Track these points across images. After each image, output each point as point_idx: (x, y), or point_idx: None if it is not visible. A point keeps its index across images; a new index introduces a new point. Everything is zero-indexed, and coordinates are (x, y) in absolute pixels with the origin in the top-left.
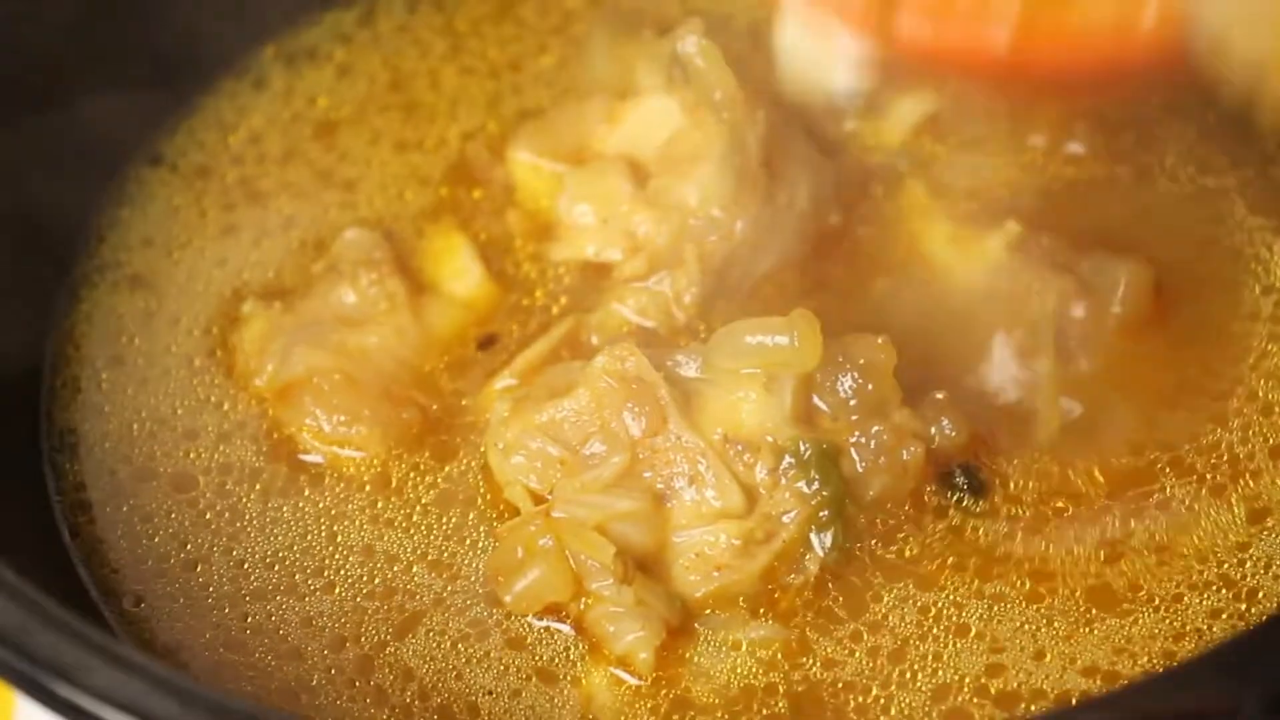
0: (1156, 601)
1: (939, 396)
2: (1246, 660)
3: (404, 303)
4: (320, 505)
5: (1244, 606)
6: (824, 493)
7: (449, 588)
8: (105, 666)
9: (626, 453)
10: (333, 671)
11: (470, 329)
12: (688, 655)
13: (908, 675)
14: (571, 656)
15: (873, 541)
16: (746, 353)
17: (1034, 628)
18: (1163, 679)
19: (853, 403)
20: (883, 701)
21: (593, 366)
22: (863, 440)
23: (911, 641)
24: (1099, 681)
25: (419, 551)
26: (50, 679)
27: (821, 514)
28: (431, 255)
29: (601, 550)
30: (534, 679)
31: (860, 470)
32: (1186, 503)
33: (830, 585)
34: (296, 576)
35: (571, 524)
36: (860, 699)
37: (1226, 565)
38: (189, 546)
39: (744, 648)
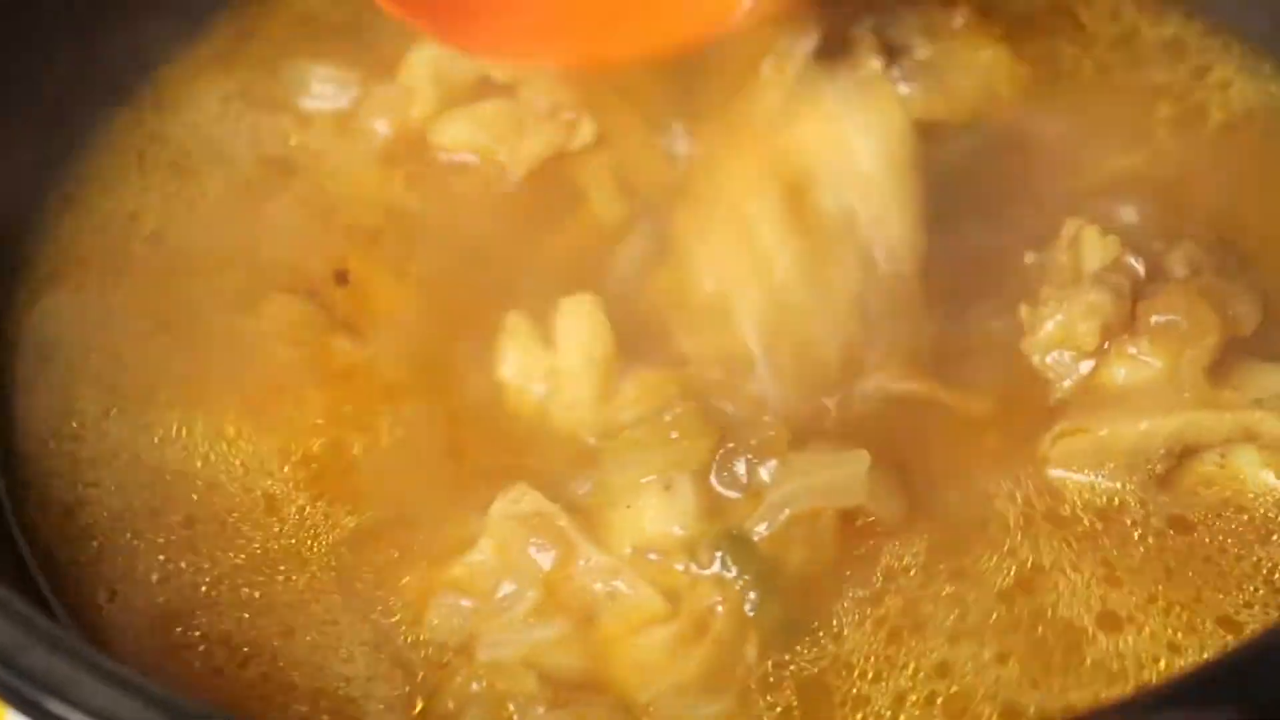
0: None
1: None
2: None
3: None
4: None
5: None
6: (745, 577)
7: None
8: (96, 683)
9: (539, 588)
10: None
11: None
12: None
13: None
14: None
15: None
16: (637, 462)
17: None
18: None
19: (751, 481)
20: None
21: (490, 516)
22: (769, 520)
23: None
24: None
25: None
26: (42, 695)
27: (750, 596)
28: None
29: (523, 682)
30: None
31: (775, 548)
32: None
33: (785, 666)
34: None
35: (494, 664)
36: None
37: None
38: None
39: None
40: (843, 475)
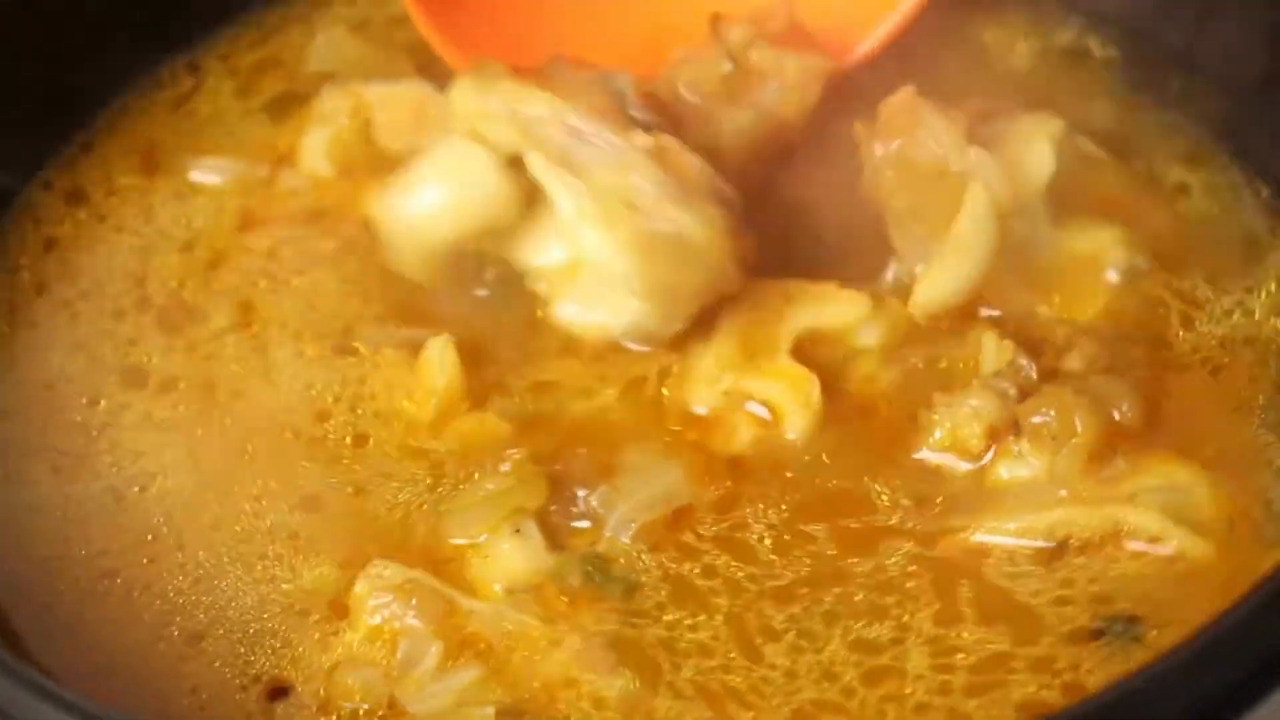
0: None
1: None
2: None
3: None
4: None
5: None
6: (615, 590)
7: None
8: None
9: (439, 639)
10: None
11: None
12: None
13: None
14: None
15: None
16: (479, 520)
17: None
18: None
19: (595, 507)
20: None
21: (356, 596)
22: (617, 534)
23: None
24: None
25: None
26: None
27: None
28: None
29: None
30: None
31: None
32: None
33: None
34: None
35: (432, 716)
36: None
37: None
38: None
39: None
40: (663, 485)
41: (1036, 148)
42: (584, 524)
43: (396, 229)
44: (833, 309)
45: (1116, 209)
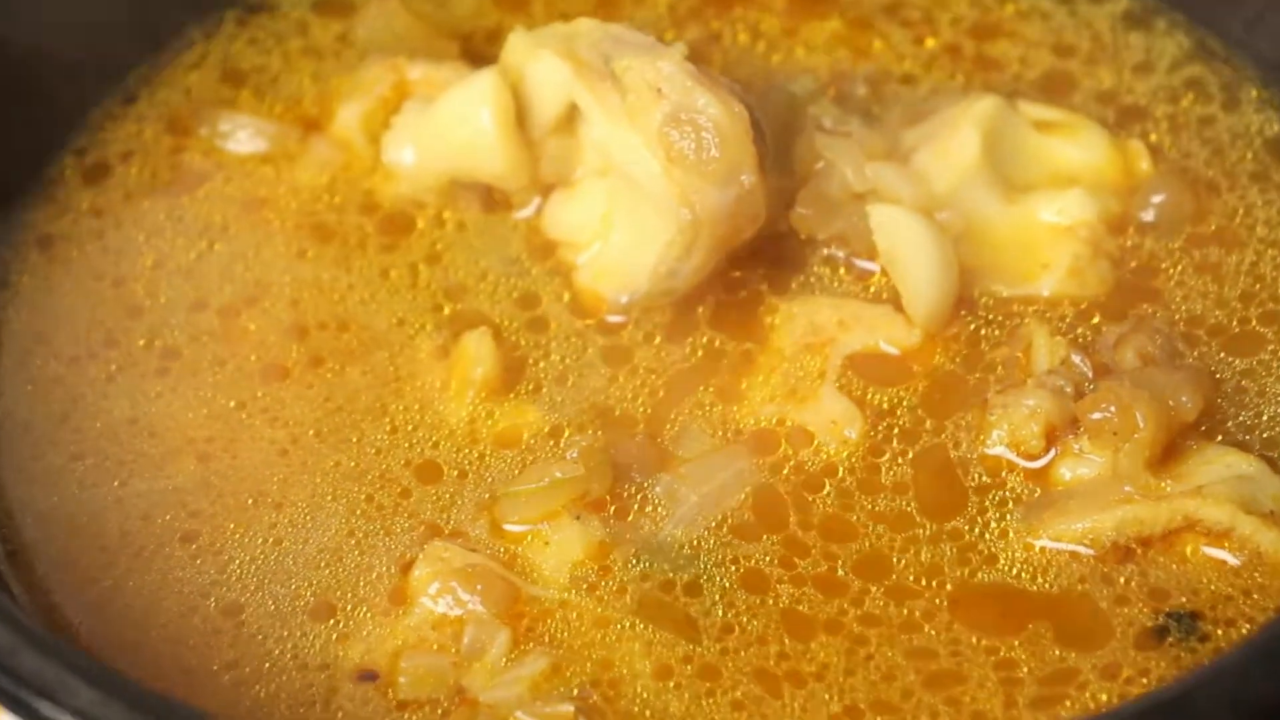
0: None
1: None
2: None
3: None
4: None
5: None
6: (680, 568)
7: None
8: (88, 687)
9: (505, 627)
10: None
11: None
12: None
13: None
14: None
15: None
16: (540, 505)
17: None
18: None
19: (659, 495)
20: None
21: (417, 579)
22: (683, 524)
23: None
24: None
25: None
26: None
27: (683, 577)
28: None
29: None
30: None
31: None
32: None
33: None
34: None
35: (495, 707)
36: None
37: None
38: None
39: None
40: (729, 477)
41: (962, 132)
42: (647, 513)
43: (401, 151)
44: (888, 332)
45: (1079, 172)
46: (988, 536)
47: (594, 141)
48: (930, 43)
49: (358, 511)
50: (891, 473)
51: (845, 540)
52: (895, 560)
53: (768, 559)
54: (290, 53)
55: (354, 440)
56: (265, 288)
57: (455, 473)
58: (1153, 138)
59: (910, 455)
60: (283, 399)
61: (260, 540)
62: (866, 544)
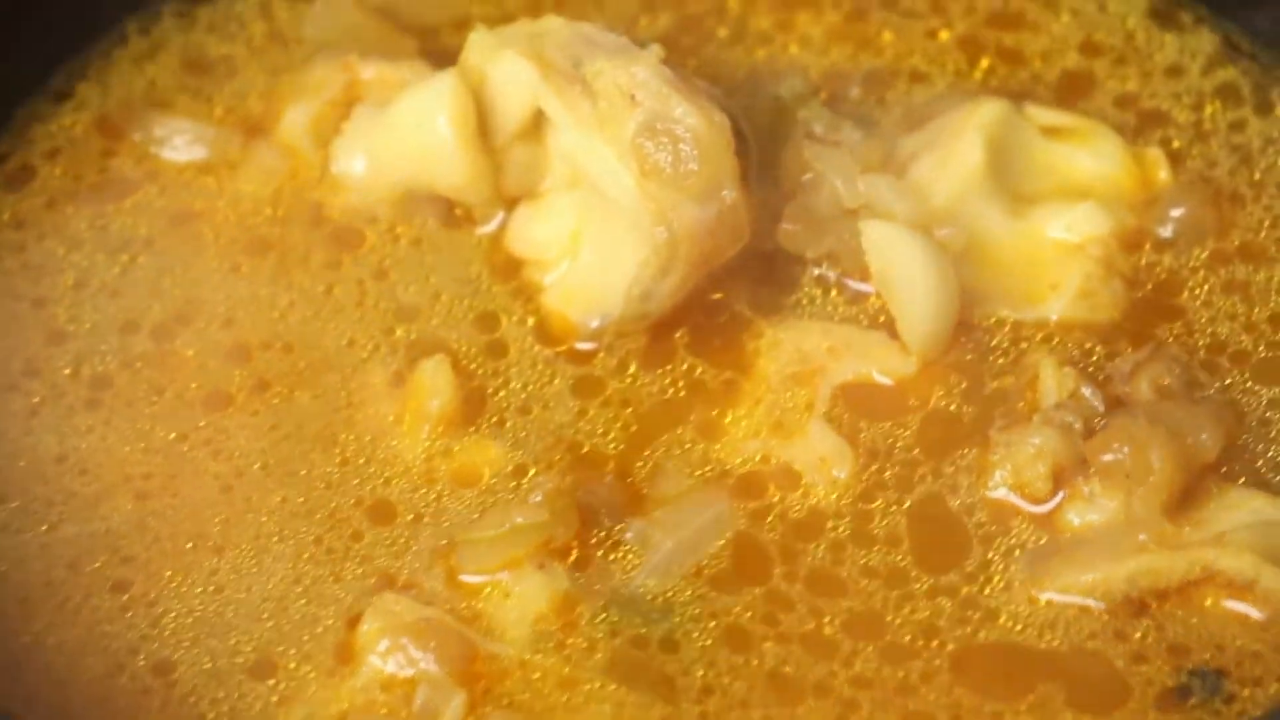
0: None
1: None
2: None
3: None
4: None
5: None
6: (654, 623)
7: None
8: None
9: (461, 689)
10: None
11: None
12: None
13: None
14: None
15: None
16: (501, 553)
17: None
18: None
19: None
20: None
21: (365, 635)
22: (657, 574)
23: None
24: None
25: None
26: None
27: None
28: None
29: None
30: None
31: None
32: None
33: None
34: None
35: None
36: None
37: None
38: None
39: None
40: (707, 521)
41: (964, 139)
42: (617, 561)
43: (352, 160)
44: (882, 361)
45: (1091, 183)
46: (990, 589)
47: (562, 151)
48: (944, 35)
49: (305, 555)
50: (884, 521)
51: (834, 595)
52: (889, 618)
53: (749, 614)
54: (234, 49)
55: (303, 473)
56: (197, 306)
57: (410, 516)
58: (1175, 145)
59: (905, 502)
60: (226, 429)
61: (199, 589)
62: (858, 600)
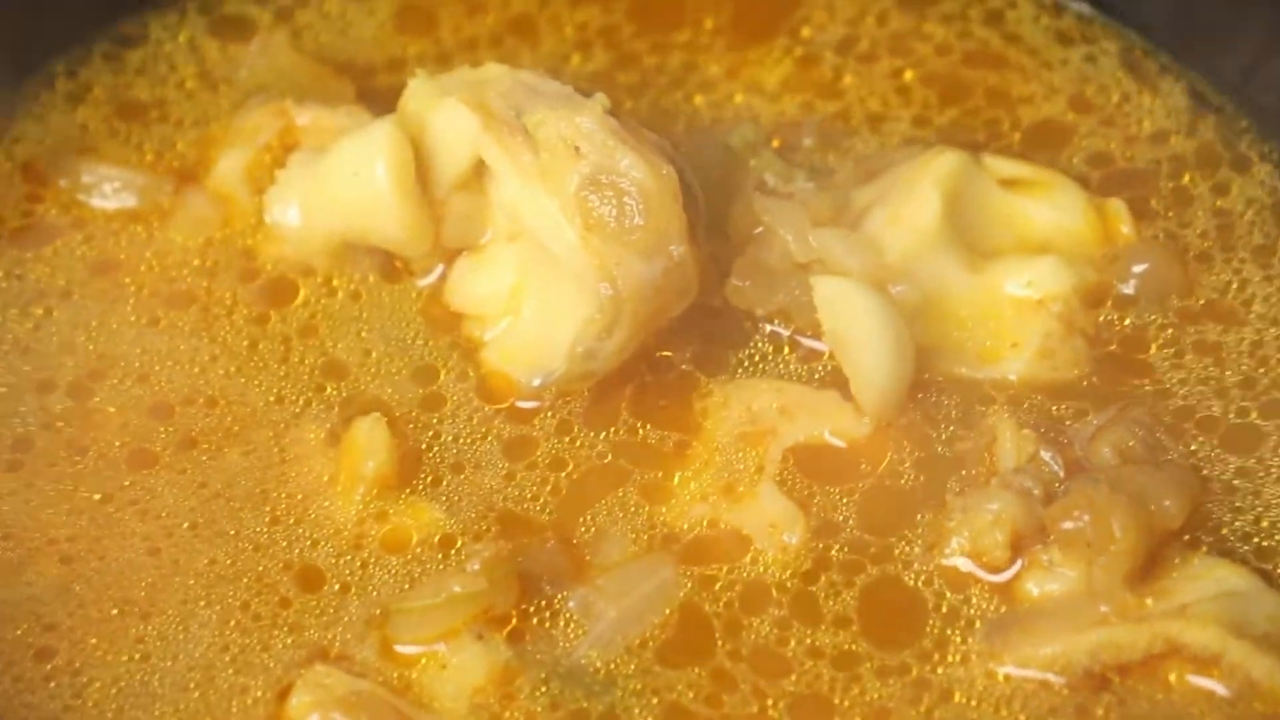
0: None
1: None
2: None
3: None
4: None
5: None
6: (595, 696)
7: None
8: None
9: None
10: None
11: None
12: None
13: None
14: None
15: None
16: (438, 623)
17: None
18: None
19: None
20: None
21: (295, 710)
22: (600, 645)
23: None
24: None
25: None
26: None
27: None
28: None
29: None
30: None
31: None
32: None
33: None
34: None
35: None
36: None
37: None
38: None
39: None
40: (653, 588)
41: (920, 191)
42: (558, 630)
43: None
44: (835, 422)
45: (1052, 237)
46: (945, 665)
47: (504, 203)
48: (908, 76)
49: (232, 622)
50: (834, 594)
51: (779, 676)
52: (837, 700)
53: (691, 694)
54: (165, 92)
55: (232, 533)
56: (111, 361)
57: (337, 585)
58: (1152, 203)
59: (857, 570)
60: (153, 488)
61: (125, 657)
62: (803, 682)
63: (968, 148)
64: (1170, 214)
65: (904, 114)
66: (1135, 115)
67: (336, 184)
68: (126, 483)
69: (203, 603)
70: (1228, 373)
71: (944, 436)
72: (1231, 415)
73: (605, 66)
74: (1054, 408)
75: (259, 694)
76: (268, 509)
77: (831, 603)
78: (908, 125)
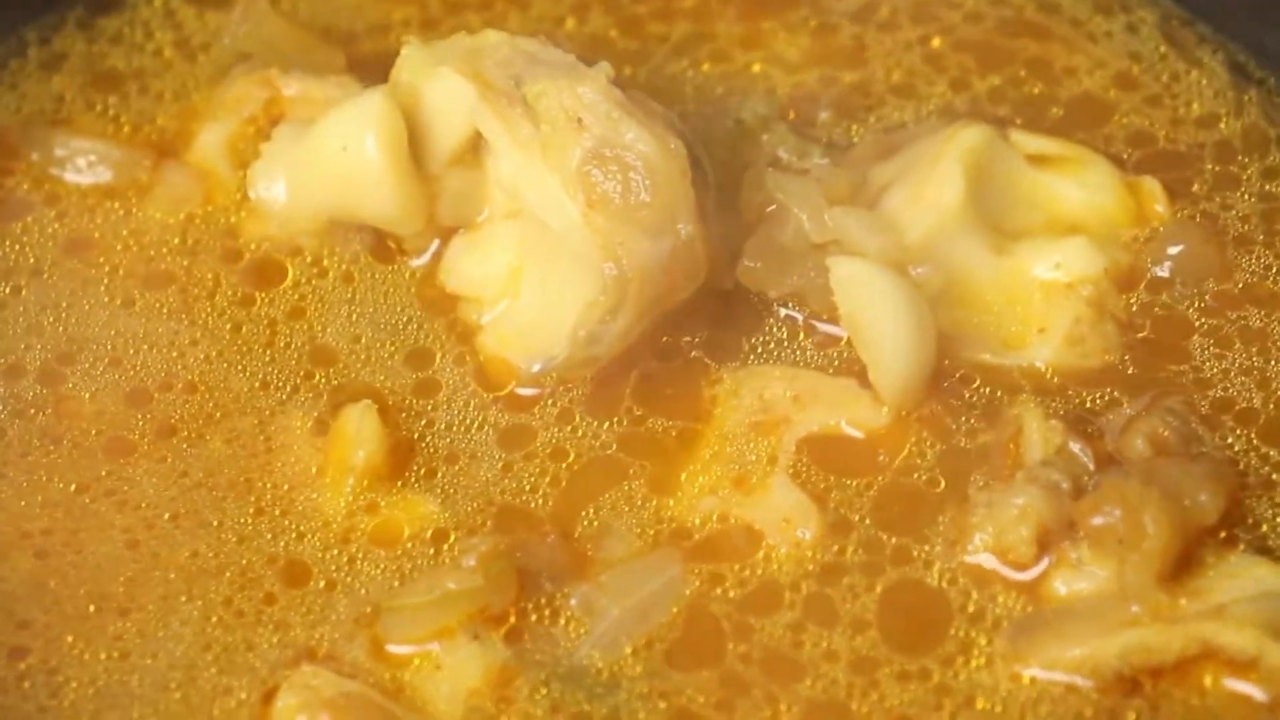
0: None
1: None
2: None
3: None
4: None
5: None
6: (598, 699)
7: None
8: None
9: None
10: None
11: None
12: None
13: None
14: None
15: None
16: (431, 622)
17: None
18: None
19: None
20: None
21: (281, 713)
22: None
23: None
24: None
25: None
26: None
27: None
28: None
29: None
30: None
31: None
32: None
33: None
34: None
35: None
36: None
37: None
38: None
39: None
40: (660, 585)
41: (942, 168)
42: (559, 630)
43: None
44: (851, 412)
45: (1083, 217)
46: (968, 668)
47: (502, 179)
48: (937, 42)
49: (214, 619)
50: (851, 592)
51: (792, 680)
52: (855, 706)
53: (701, 698)
54: (142, 61)
55: (214, 524)
56: (81, 344)
57: (323, 582)
58: (1195, 187)
59: (875, 568)
60: (131, 477)
61: (102, 655)
62: (819, 687)
63: (998, 122)
64: (1214, 197)
65: (933, 85)
66: (1185, 96)
67: (324, 158)
68: (103, 472)
69: (184, 598)
70: (1271, 362)
71: (967, 427)
72: (1272, 407)
73: (602, 29)
74: (1083, 397)
75: (243, 695)
76: (252, 499)
77: (848, 604)
78: (936, 98)
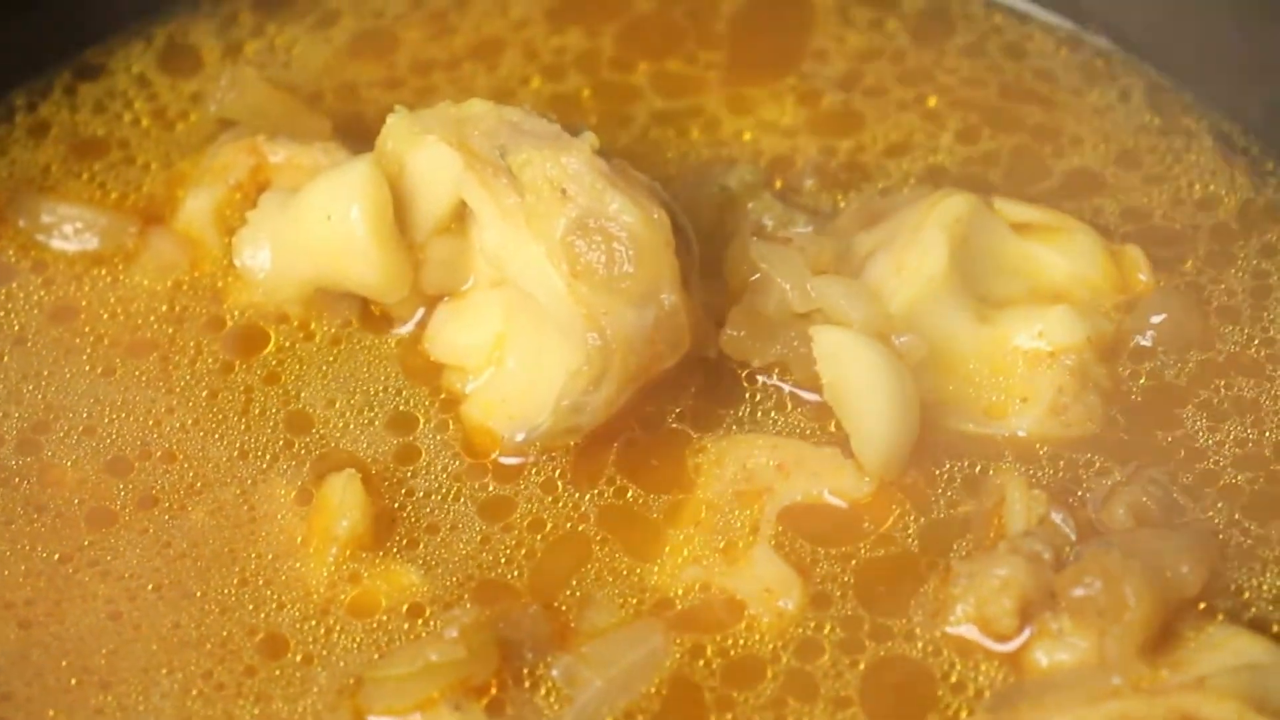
0: None
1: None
2: None
3: None
4: None
5: None
6: None
7: None
8: None
9: None
10: None
11: None
12: None
13: None
14: None
15: None
16: (412, 694)
17: None
18: None
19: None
20: None
21: None
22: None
23: None
24: None
25: None
26: None
27: None
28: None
29: None
30: None
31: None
32: None
33: None
34: None
35: None
36: None
37: None
38: None
39: None
40: (643, 656)
41: (926, 237)
42: (541, 700)
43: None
44: (834, 481)
45: (1066, 286)
46: None
47: (486, 248)
48: (932, 101)
49: (194, 691)
50: (834, 667)
51: None
52: None
53: None
54: (124, 129)
55: (198, 594)
56: (58, 412)
57: (299, 655)
58: (1188, 265)
59: (856, 640)
60: (114, 547)
61: None
62: None
63: (987, 188)
64: (1206, 271)
65: (921, 152)
66: (1186, 178)
67: (309, 227)
68: (86, 542)
69: (164, 670)
70: (1262, 432)
71: (949, 497)
72: (1260, 480)
73: (573, 90)
74: (1065, 466)
75: None
76: (236, 569)
77: (830, 679)
78: (923, 164)
